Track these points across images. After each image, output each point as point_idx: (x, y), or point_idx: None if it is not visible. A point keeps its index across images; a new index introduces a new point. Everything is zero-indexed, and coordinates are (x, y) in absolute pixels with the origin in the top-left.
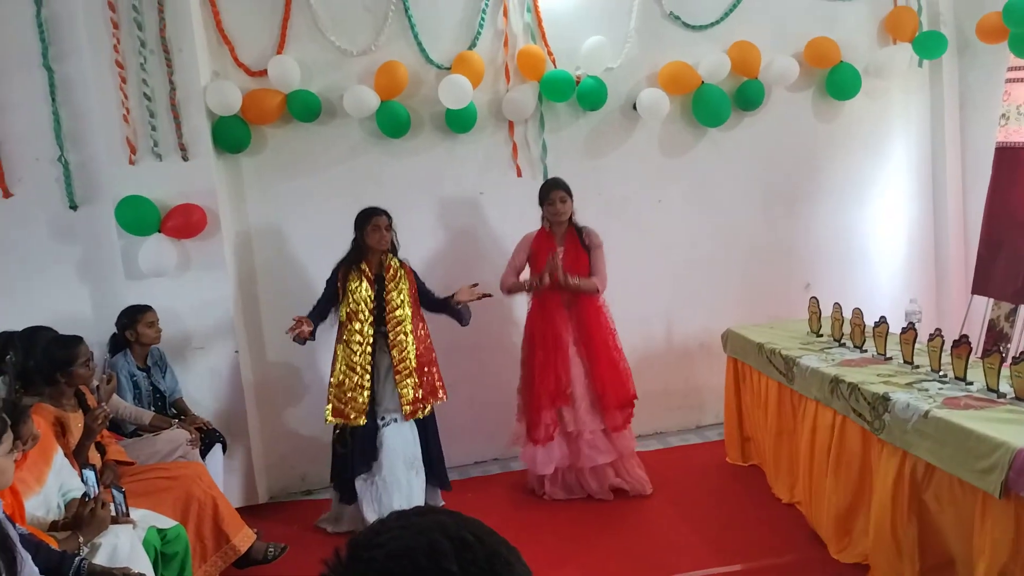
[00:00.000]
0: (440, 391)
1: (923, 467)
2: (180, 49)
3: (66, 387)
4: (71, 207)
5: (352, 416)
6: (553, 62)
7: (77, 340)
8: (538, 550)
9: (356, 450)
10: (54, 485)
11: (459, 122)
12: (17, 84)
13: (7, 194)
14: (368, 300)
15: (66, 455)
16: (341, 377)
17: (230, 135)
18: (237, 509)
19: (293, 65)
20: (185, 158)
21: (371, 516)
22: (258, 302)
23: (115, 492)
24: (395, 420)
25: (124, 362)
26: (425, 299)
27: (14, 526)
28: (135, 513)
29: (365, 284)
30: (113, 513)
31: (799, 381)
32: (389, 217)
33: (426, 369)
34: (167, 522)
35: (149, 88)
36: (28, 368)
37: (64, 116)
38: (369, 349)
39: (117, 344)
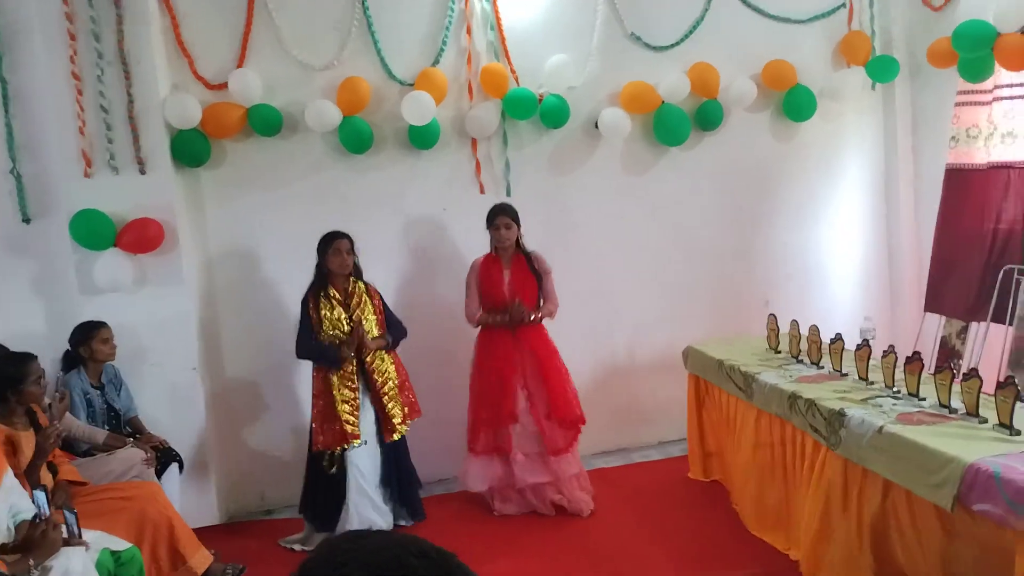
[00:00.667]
0: (417, 407)
1: (881, 482)
2: (138, 61)
3: (17, 405)
4: (24, 220)
5: (350, 431)
6: (516, 80)
7: (29, 357)
8: (500, 567)
9: (344, 471)
10: (3, 506)
11: (422, 138)
12: None
13: None
14: (343, 324)
15: (16, 475)
16: (340, 396)
17: (189, 149)
18: (195, 530)
19: (254, 79)
20: (143, 171)
21: None
22: (217, 318)
23: (67, 513)
24: (365, 443)
25: (78, 379)
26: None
27: None
28: (88, 535)
29: (337, 309)
30: (65, 535)
31: (758, 397)
32: (351, 240)
33: (406, 386)
34: (121, 544)
35: (106, 100)
36: None
37: (17, 128)
38: (356, 367)
39: (71, 361)
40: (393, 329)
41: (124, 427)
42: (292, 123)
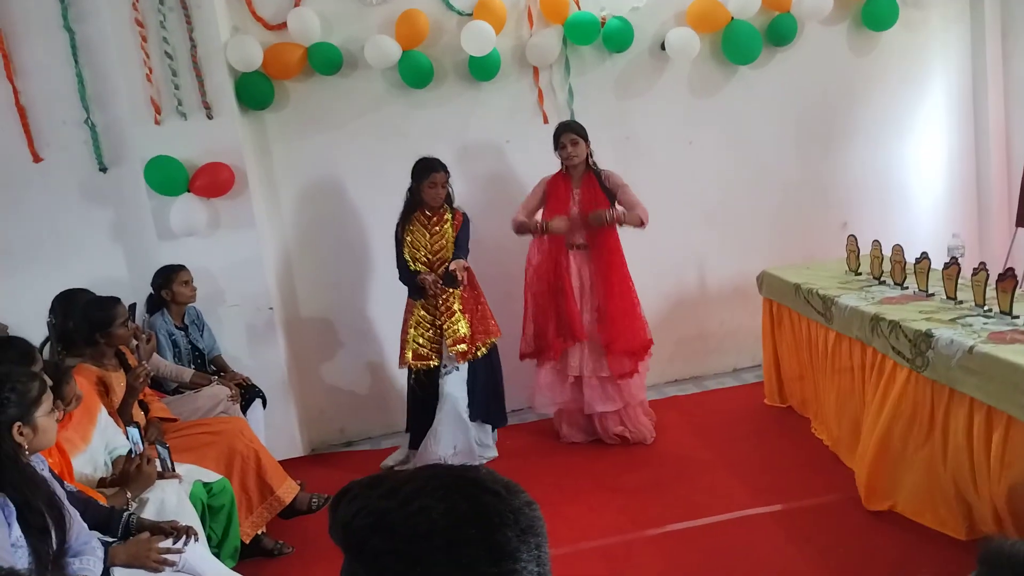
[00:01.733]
0: (493, 329)
1: (968, 403)
2: (199, 5)
3: (106, 347)
4: (100, 169)
5: (432, 358)
6: (577, 4)
7: (114, 301)
8: (573, 494)
9: (429, 393)
10: (100, 443)
11: (482, 70)
12: (39, 47)
13: (37, 159)
14: (427, 246)
15: (110, 414)
16: (418, 320)
17: (253, 91)
18: (280, 462)
19: (312, 17)
20: (210, 116)
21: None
22: (289, 258)
23: (160, 448)
24: (456, 369)
25: (162, 321)
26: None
27: (63, 484)
28: (180, 468)
29: (418, 234)
30: (159, 468)
31: (838, 321)
32: (447, 172)
33: (477, 308)
34: (212, 476)
35: (170, 46)
36: (68, 330)
37: (88, 78)
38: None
39: (154, 304)
40: (460, 251)
41: (208, 366)
42: (352, 60)
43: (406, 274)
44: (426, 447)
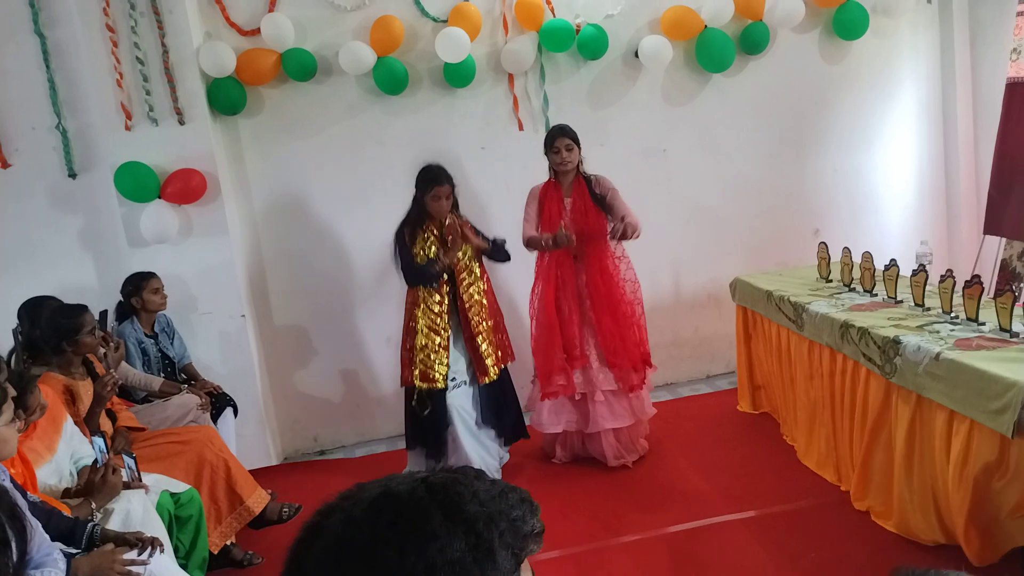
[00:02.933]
0: (510, 351)
1: (936, 409)
2: (170, 11)
3: (73, 356)
4: (70, 175)
5: (438, 380)
6: (552, 11)
7: (81, 309)
8: (549, 502)
9: (438, 411)
10: (65, 453)
11: (457, 76)
12: (10, 52)
13: (5, 164)
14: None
15: (76, 423)
16: (424, 341)
17: (226, 97)
18: (251, 471)
19: (286, 23)
20: (181, 122)
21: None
22: (263, 265)
23: (126, 458)
24: (464, 383)
25: (131, 329)
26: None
27: (25, 495)
28: (147, 478)
29: (433, 245)
30: (125, 478)
31: (809, 328)
32: (452, 184)
33: (500, 327)
34: (180, 486)
35: (141, 52)
36: (34, 338)
37: (59, 83)
38: (448, 306)
39: (124, 312)
40: (496, 247)
41: (179, 374)
42: (326, 66)
43: (419, 268)
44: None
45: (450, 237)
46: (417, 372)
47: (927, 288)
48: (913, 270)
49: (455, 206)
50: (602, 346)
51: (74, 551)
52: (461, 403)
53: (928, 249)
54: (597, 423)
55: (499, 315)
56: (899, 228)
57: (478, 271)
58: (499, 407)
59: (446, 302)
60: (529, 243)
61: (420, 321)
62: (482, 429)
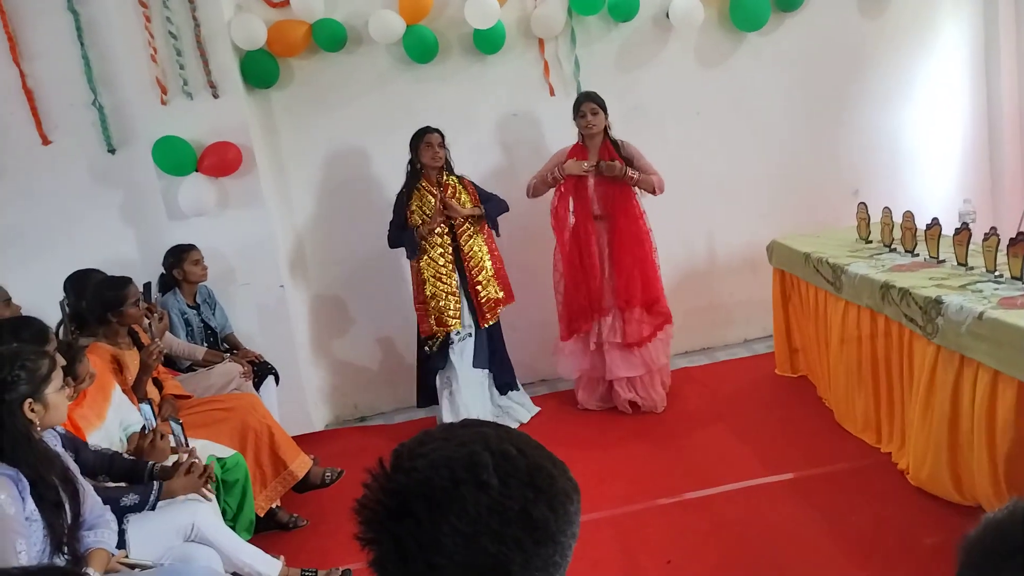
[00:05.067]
0: (511, 293)
1: (979, 369)
2: None
3: (119, 326)
4: (109, 151)
5: (451, 323)
6: None
7: (125, 281)
8: (585, 465)
9: (436, 354)
10: (114, 420)
11: (487, 43)
12: (44, 30)
13: (45, 141)
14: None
15: (124, 391)
16: (432, 290)
17: (258, 69)
18: (294, 437)
19: None
20: (215, 95)
21: None
22: (300, 236)
23: (173, 424)
24: (469, 335)
25: (174, 300)
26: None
27: (86, 445)
28: (194, 443)
29: (430, 200)
30: (172, 444)
31: (847, 289)
32: (442, 134)
33: (501, 273)
34: (226, 451)
35: (174, 26)
36: (81, 310)
37: (93, 59)
38: (451, 255)
39: (166, 284)
40: (490, 204)
41: (221, 344)
42: (356, 36)
43: (399, 235)
44: (457, 412)
45: (441, 207)
46: (433, 320)
47: (970, 247)
48: (956, 229)
49: (449, 169)
50: (621, 290)
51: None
52: (462, 351)
53: (971, 207)
54: (612, 371)
55: (500, 262)
56: (941, 187)
57: (478, 224)
58: (493, 352)
59: (448, 252)
60: (535, 188)
61: (426, 272)
62: (486, 375)
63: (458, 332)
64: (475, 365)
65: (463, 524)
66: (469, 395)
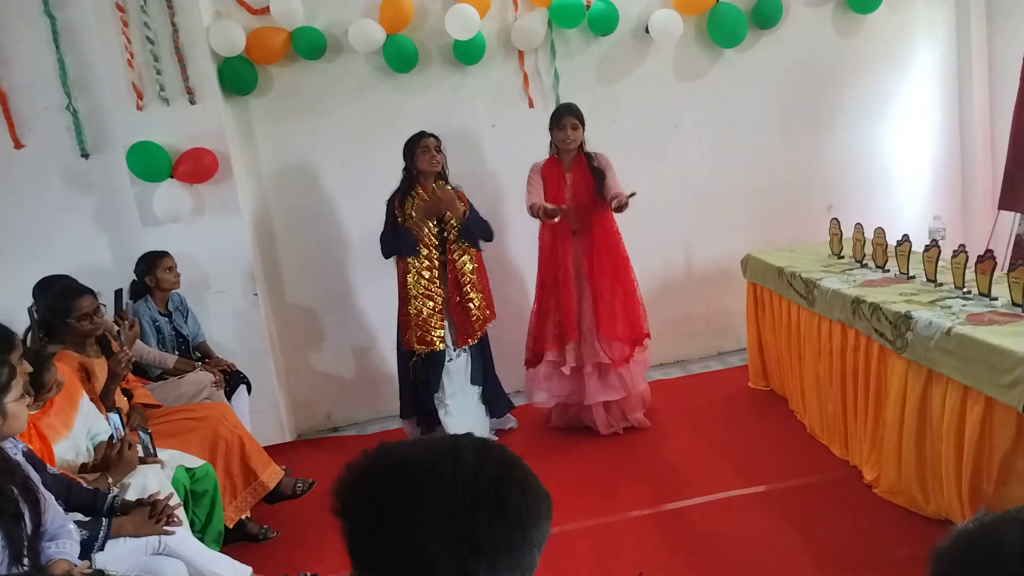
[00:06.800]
0: (492, 311)
1: (947, 384)
2: None
3: (83, 335)
4: (83, 155)
5: (436, 342)
6: None
7: (84, 292)
8: (560, 477)
9: (431, 376)
10: (82, 429)
11: (467, 53)
12: (20, 34)
13: (18, 145)
14: (431, 225)
15: (92, 400)
16: (419, 306)
17: (236, 76)
18: (266, 448)
19: (295, 1)
20: (192, 101)
21: None
22: (275, 244)
23: (142, 434)
24: (462, 352)
25: (146, 308)
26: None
27: (45, 467)
28: (163, 453)
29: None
30: (141, 454)
31: (820, 304)
32: (438, 139)
33: (486, 289)
34: (195, 461)
35: (151, 31)
36: (47, 317)
37: (69, 64)
38: (438, 275)
39: (138, 291)
40: (474, 222)
41: (193, 352)
42: (336, 45)
43: (394, 238)
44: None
45: (436, 196)
46: (415, 336)
47: (939, 264)
48: (926, 245)
49: (444, 177)
50: (601, 318)
51: (85, 519)
52: (451, 367)
53: (941, 224)
54: (590, 396)
55: (486, 279)
56: (913, 204)
57: (465, 243)
58: (484, 370)
59: (436, 270)
60: (532, 209)
61: (413, 289)
62: (471, 389)
63: (446, 353)
64: (472, 382)
65: (436, 496)
66: (465, 417)
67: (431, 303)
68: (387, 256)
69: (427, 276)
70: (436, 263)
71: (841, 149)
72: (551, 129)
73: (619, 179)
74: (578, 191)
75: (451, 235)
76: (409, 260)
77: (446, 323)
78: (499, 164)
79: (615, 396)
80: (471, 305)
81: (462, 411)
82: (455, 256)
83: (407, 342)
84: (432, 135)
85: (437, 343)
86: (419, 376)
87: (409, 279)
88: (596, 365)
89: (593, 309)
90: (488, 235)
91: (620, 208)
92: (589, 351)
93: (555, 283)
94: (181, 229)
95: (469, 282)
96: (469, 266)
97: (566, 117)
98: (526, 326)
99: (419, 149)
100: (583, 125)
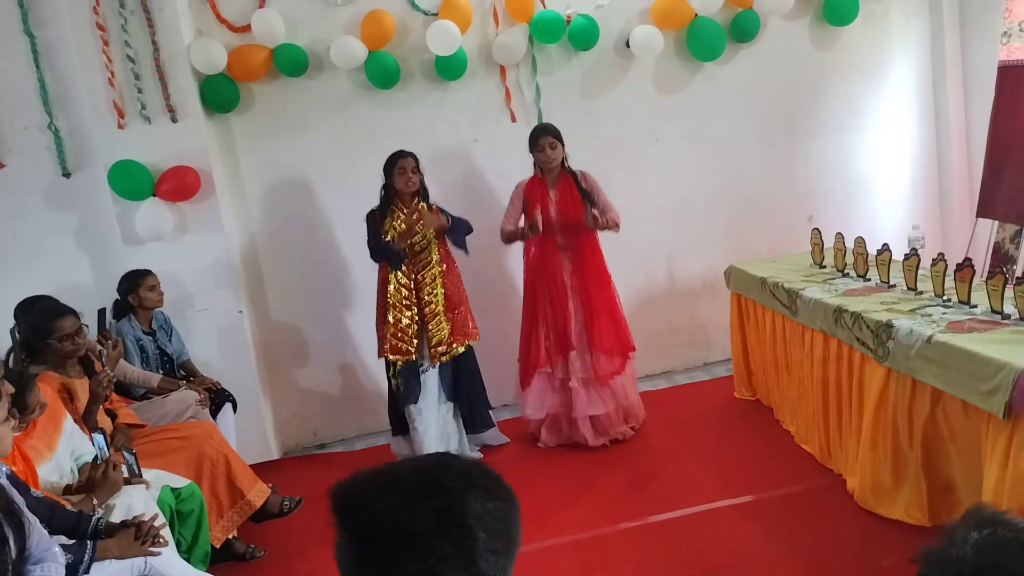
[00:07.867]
0: (472, 331)
1: (930, 392)
2: (161, 8)
3: (65, 355)
4: (64, 175)
5: (411, 352)
6: (543, 2)
7: (66, 312)
8: (546, 491)
9: (407, 384)
10: (65, 450)
11: (449, 69)
12: (0, 52)
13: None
14: (411, 243)
15: (75, 421)
16: (397, 315)
17: (218, 94)
18: (252, 466)
19: (277, 18)
20: (174, 119)
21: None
22: (258, 261)
23: (126, 454)
24: (432, 367)
25: (129, 327)
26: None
27: (28, 491)
28: (148, 474)
29: (401, 222)
30: (125, 474)
31: (803, 313)
32: (415, 159)
33: (457, 310)
34: (180, 481)
35: (132, 50)
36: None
37: (50, 82)
38: (414, 287)
39: (121, 310)
40: (457, 228)
41: (177, 371)
42: (317, 62)
43: (382, 247)
44: (418, 444)
45: (415, 217)
46: (388, 346)
47: (919, 272)
48: (905, 254)
49: (424, 195)
50: (594, 333)
51: (70, 541)
52: (431, 386)
53: (920, 233)
54: (578, 409)
55: (461, 296)
56: (892, 213)
57: (436, 257)
58: (458, 386)
59: (411, 282)
60: (509, 237)
61: (392, 298)
62: (450, 406)
63: (421, 364)
64: (447, 398)
65: (404, 484)
66: (432, 430)
67: (408, 312)
68: (376, 261)
69: (403, 292)
70: (411, 276)
71: (820, 160)
72: (531, 151)
73: (606, 196)
74: (563, 208)
75: (418, 253)
76: (388, 271)
77: (420, 336)
78: (482, 178)
79: (603, 409)
80: (429, 325)
81: (429, 424)
82: (419, 268)
83: (382, 351)
84: (410, 154)
85: (411, 353)
86: (399, 385)
87: (390, 288)
88: (584, 379)
89: (584, 323)
90: (469, 229)
91: (597, 227)
92: (579, 364)
93: (547, 298)
94: (164, 247)
95: (431, 295)
96: (430, 280)
97: (543, 137)
98: (513, 339)
99: (396, 169)
100: (562, 142)
